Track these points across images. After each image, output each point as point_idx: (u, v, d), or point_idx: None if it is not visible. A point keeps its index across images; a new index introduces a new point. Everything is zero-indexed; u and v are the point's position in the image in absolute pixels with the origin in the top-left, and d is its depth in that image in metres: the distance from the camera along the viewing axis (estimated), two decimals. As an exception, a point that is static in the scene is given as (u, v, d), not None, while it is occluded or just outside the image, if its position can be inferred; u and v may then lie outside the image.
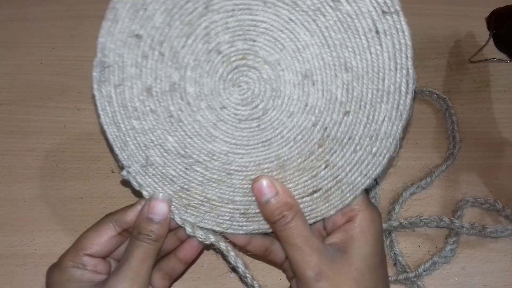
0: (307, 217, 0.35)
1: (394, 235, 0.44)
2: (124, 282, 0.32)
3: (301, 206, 0.35)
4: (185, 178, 0.34)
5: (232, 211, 0.35)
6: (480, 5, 0.58)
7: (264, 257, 0.38)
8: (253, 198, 0.34)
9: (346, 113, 0.32)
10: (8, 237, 0.44)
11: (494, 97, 0.52)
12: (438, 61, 0.55)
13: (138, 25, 0.31)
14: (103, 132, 0.34)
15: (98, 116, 0.33)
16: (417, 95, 0.52)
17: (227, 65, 0.32)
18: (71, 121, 0.51)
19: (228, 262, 0.36)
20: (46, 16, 0.59)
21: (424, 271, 0.42)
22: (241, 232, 0.36)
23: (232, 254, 0.35)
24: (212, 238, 0.35)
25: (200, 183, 0.35)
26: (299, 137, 0.33)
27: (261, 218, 0.35)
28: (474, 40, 0.56)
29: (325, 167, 0.34)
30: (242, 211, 0.35)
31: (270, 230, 0.35)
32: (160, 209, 0.33)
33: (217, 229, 0.35)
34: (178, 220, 0.35)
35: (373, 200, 0.45)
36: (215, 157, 0.34)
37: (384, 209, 0.45)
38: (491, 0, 0.57)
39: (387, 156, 0.33)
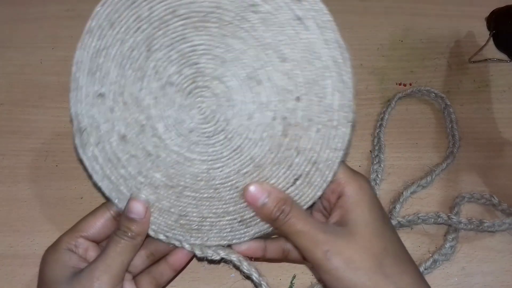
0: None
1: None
2: (95, 272, 0.33)
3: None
4: (179, 206, 0.36)
5: (230, 222, 0.36)
6: (480, 5, 0.58)
7: (285, 258, 0.39)
8: (244, 204, 0.36)
9: (297, 98, 0.34)
10: (8, 237, 0.44)
11: (494, 97, 0.52)
12: (438, 61, 0.55)
13: (99, 85, 0.35)
14: (98, 189, 0.36)
15: (90, 177, 0.36)
16: (416, 94, 0.52)
17: (182, 92, 0.35)
18: (71, 121, 0.51)
19: (243, 272, 0.36)
20: (46, 16, 0.59)
21: (425, 269, 0.42)
22: (245, 239, 0.37)
23: (244, 264, 0.36)
24: (222, 253, 0.36)
25: (194, 206, 0.36)
26: (264, 134, 0.35)
27: (258, 220, 0.36)
28: (474, 40, 0.56)
29: (297, 154, 0.35)
30: (239, 219, 0.36)
31: (270, 229, 0.36)
32: (136, 208, 0.35)
33: (224, 243, 0.37)
34: (187, 247, 0.36)
35: None
36: (199, 178, 0.36)
37: (385, 209, 0.45)
38: (491, 0, 0.57)
39: (348, 125, 0.35)
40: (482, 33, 0.56)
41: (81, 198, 0.46)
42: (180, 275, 0.42)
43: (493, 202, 0.45)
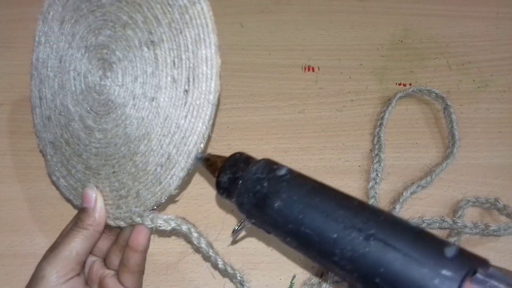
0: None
1: None
2: (41, 263, 0.34)
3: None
4: (116, 181, 0.36)
5: (153, 173, 0.35)
6: (480, 5, 0.58)
7: None
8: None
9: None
10: (8, 237, 0.44)
11: (494, 97, 0.52)
12: (438, 61, 0.55)
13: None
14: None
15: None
16: (416, 94, 0.52)
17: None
18: (71, 121, 0.51)
19: (193, 243, 0.35)
20: (46, 16, 0.59)
21: None
22: (176, 182, 0.34)
23: (195, 236, 0.35)
24: (172, 223, 0.35)
25: (127, 176, 0.36)
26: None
27: (175, 159, 0.34)
28: (474, 40, 0.56)
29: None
30: (160, 164, 0.35)
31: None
32: (88, 195, 0.36)
33: (160, 198, 0.35)
34: (137, 220, 0.35)
35: (372, 200, 0.45)
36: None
37: (385, 209, 0.45)
38: (491, 0, 0.57)
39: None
40: (482, 33, 0.56)
41: (81, 198, 0.46)
42: (180, 275, 0.42)
43: (498, 206, 0.44)
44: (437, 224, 0.43)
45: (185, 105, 0.33)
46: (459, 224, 0.43)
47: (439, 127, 0.50)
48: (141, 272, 0.37)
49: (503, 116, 0.51)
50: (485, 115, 0.51)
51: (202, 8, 0.32)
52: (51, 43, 0.40)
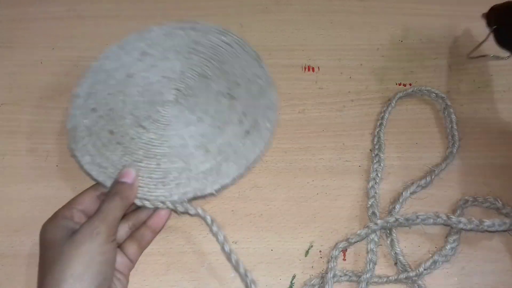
0: None
1: (394, 234, 0.44)
2: (94, 223, 0.37)
3: None
4: (160, 171, 0.43)
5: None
6: (479, 5, 0.58)
7: None
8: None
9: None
10: (8, 237, 0.44)
11: (494, 97, 0.52)
12: (438, 61, 0.55)
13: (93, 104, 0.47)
14: (88, 175, 0.44)
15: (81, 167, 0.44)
16: (416, 94, 0.52)
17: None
18: (71, 121, 0.51)
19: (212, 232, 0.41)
20: (46, 16, 0.59)
21: (425, 269, 0.42)
22: (216, 186, 0.43)
23: (214, 229, 0.41)
24: (200, 211, 0.41)
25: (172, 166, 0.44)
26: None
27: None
28: (473, 40, 0.56)
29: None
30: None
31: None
32: (129, 173, 0.42)
33: (195, 195, 0.42)
34: (169, 205, 0.41)
35: (372, 200, 0.45)
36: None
37: (384, 209, 0.46)
38: (491, 0, 0.57)
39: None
40: (482, 33, 0.56)
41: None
42: (180, 274, 0.42)
43: (497, 206, 0.44)
44: (431, 220, 0.43)
45: (244, 138, 0.45)
46: (453, 219, 0.43)
47: (439, 127, 0.50)
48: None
49: (503, 116, 0.51)
50: (485, 115, 0.51)
51: (273, 91, 0.47)
52: (123, 62, 0.49)
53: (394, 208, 0.45)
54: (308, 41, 0.57)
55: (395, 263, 0.43)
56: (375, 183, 0.46)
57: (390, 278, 0.42)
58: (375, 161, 0.47)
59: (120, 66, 0.49)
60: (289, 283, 0.42)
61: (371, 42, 0.56)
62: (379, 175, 0.47)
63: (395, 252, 0.43)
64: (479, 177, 0.47)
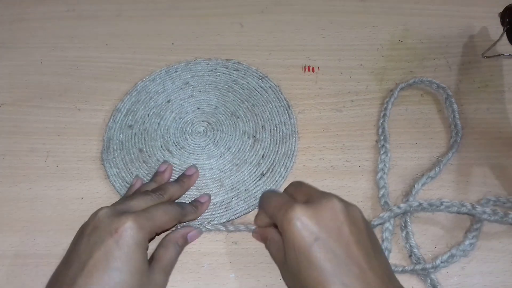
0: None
1: (410, 228, 0.44)
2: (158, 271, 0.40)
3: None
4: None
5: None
6: (479, 5, 0.58)
7: None
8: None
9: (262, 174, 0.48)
10: (8, 237, 0.44)
11: (494, 97, 0.52)
12: (438, 61, 0.55)
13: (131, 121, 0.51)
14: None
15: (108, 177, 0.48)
16: (417, 85, 0.52)
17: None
18: (71, 121, 0.51)
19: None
20: (46, 16, 0.59)
21: (441, 262, 0.42)
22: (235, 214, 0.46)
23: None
24: (242, 227, 0.45)
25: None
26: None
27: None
28: (474, 40, 0.56)
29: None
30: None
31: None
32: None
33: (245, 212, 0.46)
34: (209, 227, 0.45)
35: (383, 191, 0.46)
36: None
37: (397, 204, 0.45)
38: (490, 0, 0.57)
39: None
40: (482, 33, 0.56)
41: (82, 198, 0.46)
42: (180, 275, 0.42)
43: None
44: (456, 208, 0.43)
45: (258, 180, 0.47)
46: (478, 209, 0.42)
47: (439, 127, 0.50)
48: None
49: (503, 116, 0.51)
50: (485, 115, 0.51)
51: (294, 141, 0.49)
52: (166, 87, 0.53)
53: (408, 200, 0.45)
54: (308, 41, 0.57)
55: (410, 256, 0.43)
56: (384, 174, 0.47)
57: (406, 268, 0.42)
58: (381, 152, 0.48)
59: (162, 91, 0.53)
60: (289, 283, 0.42)
61: (371, 42, 0.56)
62: (387, 165, 0.47)
63: (410, 245, 0.43)
64: (479, 177, 0.47)
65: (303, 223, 0.34)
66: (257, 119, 0.50)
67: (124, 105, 0.52)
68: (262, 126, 0.50)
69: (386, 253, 0.43)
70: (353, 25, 0.58)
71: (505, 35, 0.52)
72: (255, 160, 0.48)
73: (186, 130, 0.50)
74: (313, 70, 0.54)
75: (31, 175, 0.48)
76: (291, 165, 0.48)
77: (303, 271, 0.33)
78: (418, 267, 0.42)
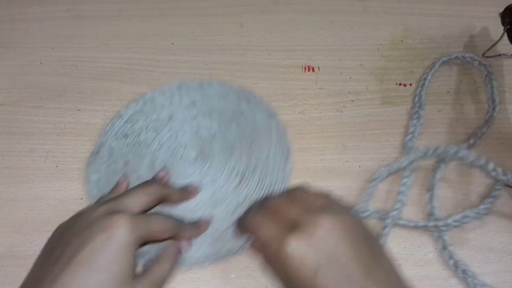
0: None
1: (437, 190, 0.45)
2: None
3: None
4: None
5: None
6: (479, 5, 0.58)
7: None
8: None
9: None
10: (8, 238, 0.44)
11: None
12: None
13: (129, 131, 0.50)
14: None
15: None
16: (459, 61, 0.54)
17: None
18: (71, 121, 0.51)
19: None
20: (46, 16, 0.59)
21: (454, 221, 0.43)
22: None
23: None
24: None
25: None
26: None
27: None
28: (474, 40, 0.56)
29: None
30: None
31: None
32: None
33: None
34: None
35: (410, 150, 0.47)
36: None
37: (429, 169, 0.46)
38: (491, 0, 0.57)
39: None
40: (483, 33, 0.56)
41: (81, 199, 0.46)
42: (180, 275, 0.42)
43: None
44: (483, 162, 0.44)
45: (233, 223, 0.44)
46: (510, 176, 0.43)
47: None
48: None
49: (503, 117, 0.51)
50: (485, 116, 0.51)
51: (288, 171, 0.47)
52: (173, 103, 0.51)
53: (439, 166, 0.47)
54: (308, 41, 0.57)
55: (429, 215, 0.45)
56: (413, 137, 0.48)
57: (419, 224, 0.44)
58: (414, 117, 0.50)
59: (168, 106, 0.51)
60: (289, 283, 0.42)
61: (371, 42, 0.56)
62: (417, 129, 0.49)
63: (432, 206, 0.45)
64: (480, 178, 0.47)
65: (300, 255, 0.33)
66: (251, 158, 0.47)
67: (127, 112, 0.50)
68: (254, 167, 0.47)
69: (399, 205, 0.44)
70: (353, 25, 0.58)
71: (505, 35, 0.52)
72: (235, 202, 0.45)
73: (177, 153, 0.48)
74: (313, 70, 0.54)
75: (31, 176, 0.48)
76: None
77: None
78: (430, 224, 0.43)
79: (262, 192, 0.45)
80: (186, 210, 0.45)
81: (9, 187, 0.47)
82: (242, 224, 0.42)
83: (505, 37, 0.52)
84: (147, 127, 0.49)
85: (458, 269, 0.42)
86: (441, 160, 0.47)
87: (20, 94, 0.53)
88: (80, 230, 0.35)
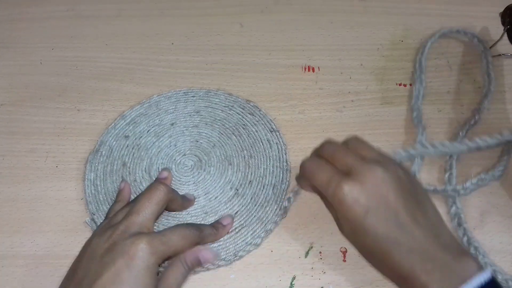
0: None
1: (454, 170, 0.46)
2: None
3: None
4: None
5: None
6: (480, 5, 0.58)
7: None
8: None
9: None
10: (8, 238, 0.44)
11: (494, 98, 0.52)
12: (438, 61, 0.55)
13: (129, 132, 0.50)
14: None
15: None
16: (458, 35, 0.56)
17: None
18: (71, 121, 0.51)
19: None
20: (46, 16, 0.59)
21: (471, 184, 0.44)
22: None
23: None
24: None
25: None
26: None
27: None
28: (474, 40, 0.56)
29: None
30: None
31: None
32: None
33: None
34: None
35: (416, 113, 0.49)
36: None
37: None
38: (491, 0, 0.57)
39: None
40: (483, 32, 0.56)
41: (81, 199, 0.46)
42: (180, 275, 0.42)
43: None
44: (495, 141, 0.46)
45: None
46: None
47: (442, 128, 0.50)
48: None
49: (503, 116, 0.51)
50: (485, 115, 0.51)
51: (276, 208, 0.45)
52: (177, 109, 0.51)
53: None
54: (308, 41, 0.57)
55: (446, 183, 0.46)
56: (418, 100, 0.50)
57: (438, 188, 0.44)
58: (417, 82, 0.52)
59: (172, 112, 0.51)
60: (289, 284, 0.42)
61: (371, 42, 0.56)
62: (421, 92, 0.51)
63: (450, 173, 0.46)
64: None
65: (353, 198, 0.36)
66: (248, 172, 0.47)
67: (131, 113, 0.51)
68: (250, 181, 0.46)
69: (416, 167, 0.46)
70: (353, 25, 0.58)
71: (505, 35, 0.52)
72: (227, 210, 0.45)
73: (175, 159, 0.48)
74: (313, 70, 0.54)
75: (31, 176, 0.48)
76: (261, 235, 0.43)
77: (361, 238, 0.37)
78: (449, 187, 0.44)
79: (255, 208, 0.45)
80: (176, 219, 0.44)
81: (9, 187, 0.47)
82: (300, 172, 0.43)
83: (505, 37, 0.52)
84: (148, 131, 0.49)
85: (471, 246, 0.42)
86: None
87: (20, 94, 0.53)
88: (106, 254, 0.36)
